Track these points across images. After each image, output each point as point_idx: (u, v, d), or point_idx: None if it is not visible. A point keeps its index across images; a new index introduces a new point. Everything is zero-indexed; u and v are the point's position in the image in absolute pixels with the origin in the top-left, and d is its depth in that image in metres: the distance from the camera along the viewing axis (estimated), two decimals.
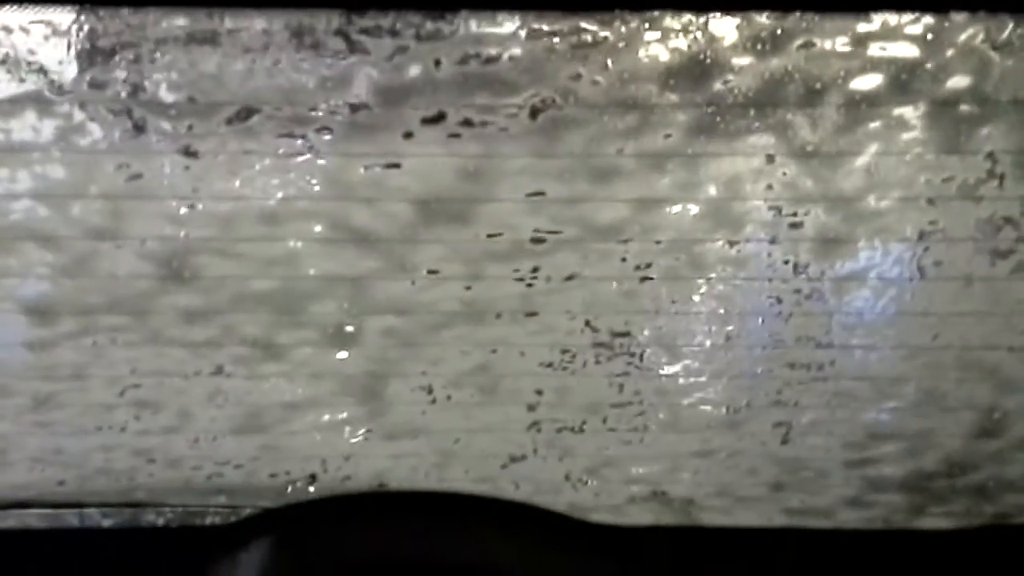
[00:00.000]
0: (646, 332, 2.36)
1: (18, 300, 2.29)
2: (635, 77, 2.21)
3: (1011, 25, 2.20)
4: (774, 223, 2.29)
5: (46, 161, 2.22)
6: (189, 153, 2.23)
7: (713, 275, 2.33)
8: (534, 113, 2.23)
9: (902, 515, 2.47)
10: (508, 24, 2.21)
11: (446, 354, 2.36)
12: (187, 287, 2.30)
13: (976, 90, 2.23)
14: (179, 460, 2.42)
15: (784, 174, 2.27)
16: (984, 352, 2.37)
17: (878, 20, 2.22)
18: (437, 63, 2.20)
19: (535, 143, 2.24)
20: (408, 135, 2.24)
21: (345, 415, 2.39)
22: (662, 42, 2.21)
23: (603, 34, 2.20)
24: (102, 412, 2.37)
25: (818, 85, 2.22)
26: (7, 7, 2.18)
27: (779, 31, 2.20)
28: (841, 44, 2.21)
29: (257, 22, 2.20)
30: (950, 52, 2.21)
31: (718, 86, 2.22)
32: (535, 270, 2.31)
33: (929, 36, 2.20)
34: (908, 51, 2.21)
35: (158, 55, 2.19)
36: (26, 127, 2.20)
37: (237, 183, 2.25)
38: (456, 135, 2.23)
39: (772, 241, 2.30)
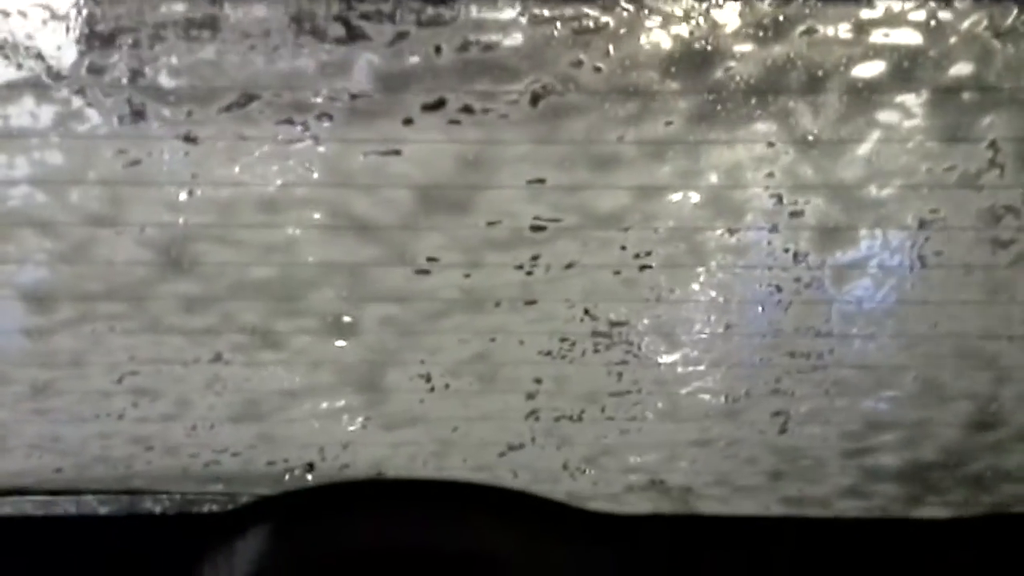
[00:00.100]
0: (645, 321, 2.36)
1: (16, 287, 2.28)
2: (636, 64, 2.20)
3: (1015, 12, 2.19)
4: (775, 211, 2.29)
5: (44, 147, 2.20)
6: (188, 139, 2.22)
7: (713, 263, 2.32)
8: (535, 100, 2.22)
9: (899, 504, 2.48)
10: (509, 10, 2.19)
11: (445, 342, 2.35)
12: (186, 274, 2.28)
13: (978, 78, 2.22)
14: (177, 448, 2.41)
15: (785, 162, 2.26)
16: (983, 342, 2.37)
17: (881, 6, 2.21)
18: (438, 49, 2.19)
19: (535, 130, 2.23)
20: (408, 121, 2.22)
21: (343, 403, 2.39)
22: (663, 28, 2.20)
23: (604, 20, 2.19)
24: (100, 399, 2.37)
25: (820, 72, 2.21)
26: None
27: (781, 17, 2.19)
28: (844, 31, 2.20)
29: (257, 8, 2.18)
30: (953, 39, 2.20)
31: (719, 73, 2.21)
32: (535, 258, 2.30)
33: (932, 23, 2.19)
34: (911, 38, 2.20)
35: (157, 40, 2.17)
36: (24, 112, 2.19)
37: (236, 169, 2.23)
38: (456, 122, 2.22)
39: (772, 229, 2.30)
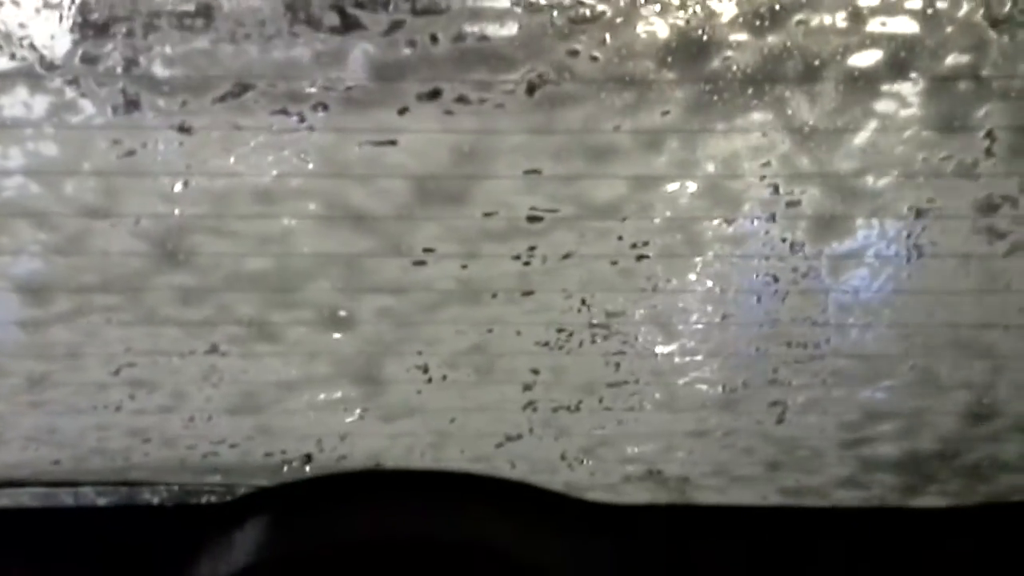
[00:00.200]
0: (642, 311, 2.36)
1: (11, 278, 2.27)
2: (633, 53, 2.19)
3: (1012, 0, 2.18)
4: (771, 201, 2.28)
5: (38, 137, 2.19)
6: (183, 129, 2.21)
7: (710, 253, 2.32)
8: (531, 89, 2.21)
9: (897, 494, 2.48)
10: None
11: (442, 334, 2.35)
12: (181, 265, 2.28)
13: (975, 67, 2.21)
14: (174, 439, 2.41)
15: (782, 151, 2.25)
16: (980, 332, 2.37)
17: None
18: (433, 38, 2.18)
19: (532, 120, 2.22)
20: (404, 111, 2.22)
21: (341, 395, 2.39)
22: (660, 17, 2.19)
23: (601, 9, 2.18)
24: (96, 391, 2.36)
25: (817, 61, 2.20)
26: None
27: (777, 6, 2.18)
28: (840, 19, 2.19)
29: None
30: (949, 28, 2.19)
31: (716, 63, 2.20)
32: (531, 249, 2.30)
33: (929, 11, 2.18)
34: (908, 26, 2.19)
35: (151, 30, 2.16)
36: (17, 103, 2.17)
37: (231, 160, 2.22)
38: (452, 112, 2.22)
39: (769, 219, 2.29)
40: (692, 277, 2.34)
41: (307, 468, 2.44)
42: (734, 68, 2.21)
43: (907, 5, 2.19)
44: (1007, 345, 2.37)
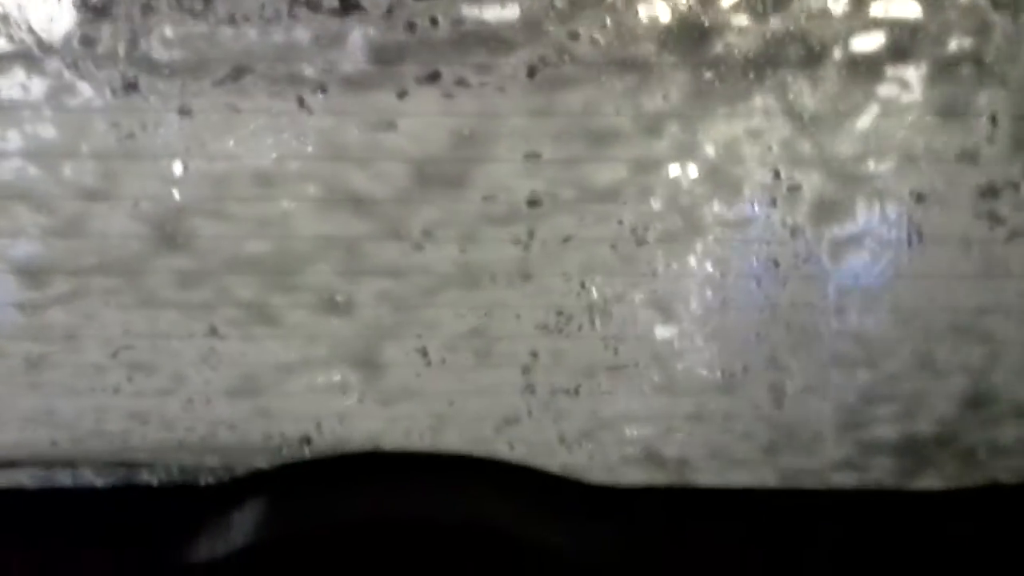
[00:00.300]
0: (642, 295, 2.35)
1: (9, 261, 2.27)
2: (634, 36, 2.18)
3: None
4: (773, 186, 2.28)
5: (36, 120, 2.18)
6: (182, 112, 2.19)
7: (710, 238, 2.31)
8: (531, 72, 2.20)
9: (895, 477, 2.49)
10: None
11: (441, 317, 2.35)
12: (180, 248, 2.27)
13: (978, 51, 2.20)
14: (173, 421, 2.41)
15: (783, 136, 2.25)
16: (979, 317, 2.37)
17: None
18: (433, 21, 2.16)
19: (532, 103, 2.21)
20: (403, 95, 2.20)
21: (340, 378, 2.39)
22: (662, 0, 2.17)
23: None
24: (95, 374, 2.36)
25: (818, 46, 2.19)
26: None
27: None
28: (842, 3, 2.17)
29: None
30: (952, 12, 2.18)
31: (718, 47, 2.19)
32: (531, 233, 2.29)
33: None
34: (910, 10, 2.18)
35: (150, 12, 2.14)
36: (15, 85, 2.16)
37: (231, 143, 2.21)
38: (452, 95, 2.20)
39: (770, 204, 2.29)
40: (692, 261, 2.33)
41: (306, 450, 2.44)
42: (735, 52, 2.20)
43: None
44: (1006, 330, 2.37)
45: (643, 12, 2.18)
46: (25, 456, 2.43)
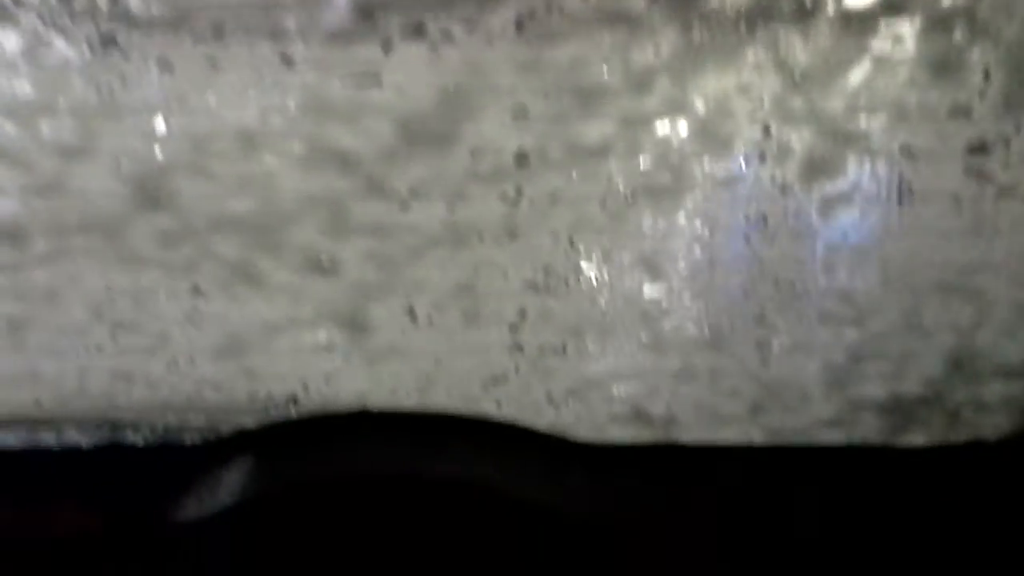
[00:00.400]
0: (630, 253, 2.34)
1: None
2: None
3: None
4: (762, 142, 2.25)
5: (12, 76, 2.13)
6: (162, 68, 2.15)
7: (699, 194, 2.29)
8: (519, 26, 2.16)
9: (881, 435, 2.50)
10: None
11: (428, 276, 2.32)
12: (162, 207, 2.24)
13: (972, 5, 2.17)
14: (157, 381, 2.39)
15: (774, 92, 2.22)
16: (968, 275, 2.36)
17: None
18: None
19: (520, 58, 2.17)
20: (387, 49, 2.16)
21: (326, 337, 2.37)
22: None
23: None
24: (78, 333, 2.34)
25: (811, 0, 2.16)
26: None
27: None
28: None
29: None
30: None
31: (709, 0, 2.15)
32: (519, 190, 2.27)
33: None
34: None
35: None
36: None
37: (212, 99, 2.17)
38: (437, 49, 2.16)
39: (760, 160, 2.27)
40: (681, 218, 2.31)
41: (292, 410, 2.43)
42: (727, 5, 2.16)
43: None
44: (994, 289, 2.36)
45: None
46: (9, 416, 2.41)
